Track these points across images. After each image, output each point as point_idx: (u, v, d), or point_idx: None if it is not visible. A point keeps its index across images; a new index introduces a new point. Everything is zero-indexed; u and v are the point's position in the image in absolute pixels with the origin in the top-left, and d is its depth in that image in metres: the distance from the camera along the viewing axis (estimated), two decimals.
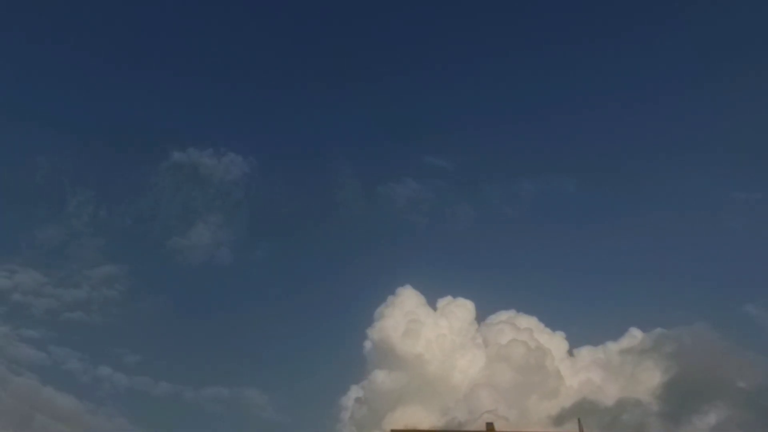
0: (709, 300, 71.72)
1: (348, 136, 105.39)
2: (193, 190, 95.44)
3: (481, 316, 64.98)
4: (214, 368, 79.35)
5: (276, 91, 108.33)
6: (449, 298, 65.63)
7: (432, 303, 65.30)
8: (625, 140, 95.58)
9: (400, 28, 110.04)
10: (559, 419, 46.84)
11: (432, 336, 62.39)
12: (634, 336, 61.42)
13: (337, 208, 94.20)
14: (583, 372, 60.41)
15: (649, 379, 55.16)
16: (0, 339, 72.81)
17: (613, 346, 62.18)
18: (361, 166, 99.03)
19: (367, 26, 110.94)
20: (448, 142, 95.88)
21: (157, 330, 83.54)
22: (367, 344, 65.64)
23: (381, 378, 62.09)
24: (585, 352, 63.54)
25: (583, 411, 47.69)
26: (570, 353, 63.02)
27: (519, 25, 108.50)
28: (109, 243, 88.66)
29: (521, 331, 61.51)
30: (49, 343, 74.31)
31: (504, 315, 64.73)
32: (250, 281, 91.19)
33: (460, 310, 64.47)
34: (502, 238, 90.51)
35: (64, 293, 79.80)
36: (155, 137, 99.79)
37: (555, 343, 61.78)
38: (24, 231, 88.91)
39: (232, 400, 74.59)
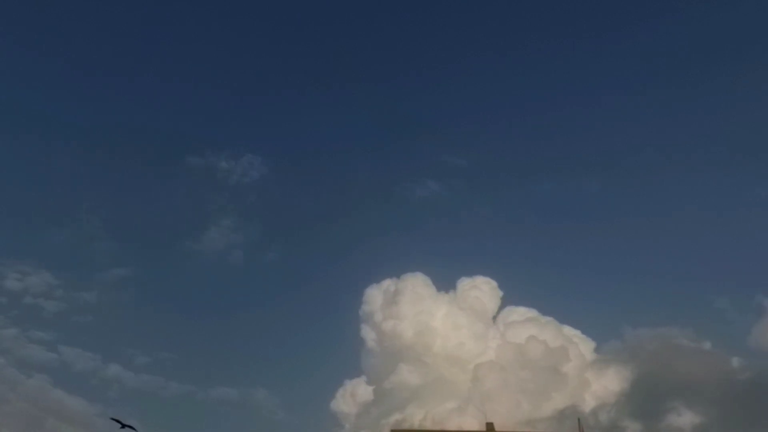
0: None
1: (364, 136, 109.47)
2: (207, 194, 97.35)
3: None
4: (224, 369, 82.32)
5: (291, 93, 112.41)
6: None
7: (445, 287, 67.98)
8: (643, 139, 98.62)
9: (416, 29, 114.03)
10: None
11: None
12: None
13: (352, 209, 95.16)
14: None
15: None
16: (11, 340, 76.64)
17: None
18: (376, 167, 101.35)
19: (382, 27, 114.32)
20: (465, 141, 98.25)
21: (168, 331, 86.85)
22: (377, 347, 67.17)
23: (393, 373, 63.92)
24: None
25: None
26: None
27: (536, 24, 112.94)
28: (120, 246, 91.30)
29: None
30: (60, 344, 78.68)
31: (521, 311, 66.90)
32: (260, 283, 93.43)
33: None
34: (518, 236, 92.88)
35: (76, 295, 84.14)
36: (171, 141, 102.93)
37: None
38: (37, 233, 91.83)
39: (241, 401, 76.83)
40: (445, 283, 68.79)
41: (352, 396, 68.73)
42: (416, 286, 67.41)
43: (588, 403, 55.20)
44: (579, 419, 43.68)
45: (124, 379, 77.93)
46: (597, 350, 65.51)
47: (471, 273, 69.57)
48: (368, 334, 69.00)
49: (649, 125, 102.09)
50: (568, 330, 65.20)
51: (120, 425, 34.70)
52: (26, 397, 72.44)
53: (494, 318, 66.96)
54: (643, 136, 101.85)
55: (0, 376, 73.12)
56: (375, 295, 69.98)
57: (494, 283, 67.75)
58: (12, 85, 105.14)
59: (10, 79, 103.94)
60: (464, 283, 68.51)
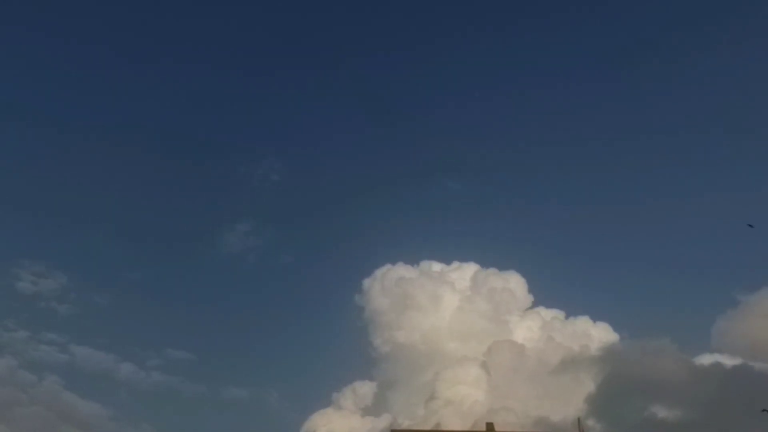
0: None
1: (377, 141, 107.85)
2: (222, 197, 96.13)
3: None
4: (238, 370, 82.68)
5: (311, 103, 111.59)
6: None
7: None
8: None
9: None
10: None
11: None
12: None
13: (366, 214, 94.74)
14: None
15: None
16: (23, 342, 75.88)
17: None
18: (387, 171, 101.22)
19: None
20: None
21: (183, 332, 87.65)
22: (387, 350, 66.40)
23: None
24: None
25: None
26: None
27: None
28: (136, 247, 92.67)
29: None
30: (72, 345, 78.03)
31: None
32: (274, 285, 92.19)
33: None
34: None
35: (90, 297, 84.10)
36: (189, 143, 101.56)
37: None
38: (53, 234, 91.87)
39: (253, 402, 77.12)
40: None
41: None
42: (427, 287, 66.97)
43: None
44: (579, 419, 42.92)
45: (135, 380, 77.76)
46: None
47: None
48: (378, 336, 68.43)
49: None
50: None
51: None
52: (38, 399, 71.42)
53: None
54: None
55: (12, 378, 72.18)
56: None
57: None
58: (29, 83, 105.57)
59: (28, 76, 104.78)
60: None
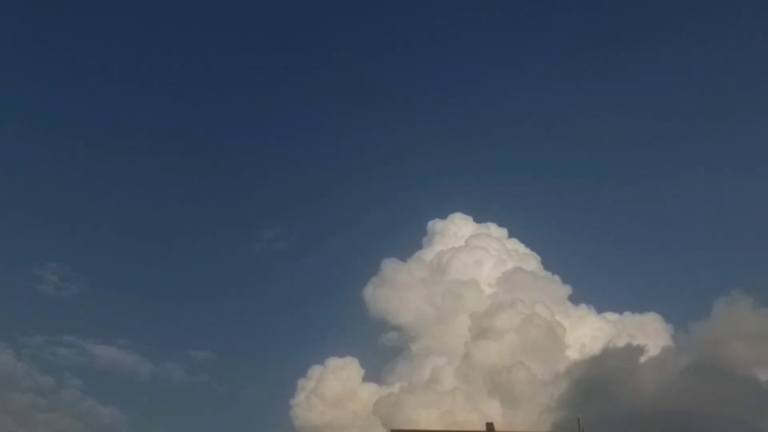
0: None
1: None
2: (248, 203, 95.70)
3: None
4: (259, 371, 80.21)
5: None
6: None
7: None
8: None
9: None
10: None
11: None
12: None
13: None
14: None
15: None
16: (40, 346, 72.79)
17: None
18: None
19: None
20: None
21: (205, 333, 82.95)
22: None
23: None
24: None
25: None
26: None
27: None
28: (155, 248, 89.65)
29: None
30: (93, 346, 74.87)
31: None
32: (298, 285, 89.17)
33: None
34: None
35: (108, 298, 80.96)
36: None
37: None
38: (74, 238, 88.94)
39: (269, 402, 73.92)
40: None
41: None
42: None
43: None
44: (579, 419, 41.64)
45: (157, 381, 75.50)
46: None
47: None
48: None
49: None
50: None
51: None
52: (58, 404, 69.14)
53: None
54: None
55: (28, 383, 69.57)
56: None
57: None
58: (48, 83, 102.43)
59: (46, 83, 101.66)
60: None
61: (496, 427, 36.45)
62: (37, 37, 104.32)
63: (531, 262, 64.90)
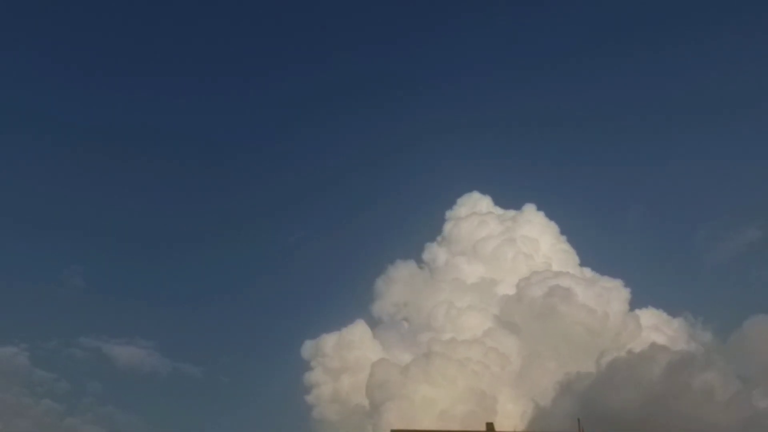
0: None
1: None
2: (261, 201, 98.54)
3: None
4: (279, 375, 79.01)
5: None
6: None
7: None
8: None
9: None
10: None
11: None
12: None
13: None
14: None
15: None
16: (57, 350, 75.94)
17: None
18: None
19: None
20: None
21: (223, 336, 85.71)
22: None
23: None
24: None
25: None
26: None
27: None
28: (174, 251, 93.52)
29: None
30: (113, 347, 77.63)
31: None
32: (321, 287, 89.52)
33: None
34: None
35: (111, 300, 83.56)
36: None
37: None
38: (95, 240, 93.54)
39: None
40: None
41: None
42: None
43: None
44: (579, 419, 41.58)
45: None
46: None
47: None
48: None
49: None
50: None
51: None
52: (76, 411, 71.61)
53: None
54: None
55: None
56: None
57: None
58: (48, 83, 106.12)
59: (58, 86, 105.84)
60: None
61: (497, 427, 36.76)
62: (37, 39, 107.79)
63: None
